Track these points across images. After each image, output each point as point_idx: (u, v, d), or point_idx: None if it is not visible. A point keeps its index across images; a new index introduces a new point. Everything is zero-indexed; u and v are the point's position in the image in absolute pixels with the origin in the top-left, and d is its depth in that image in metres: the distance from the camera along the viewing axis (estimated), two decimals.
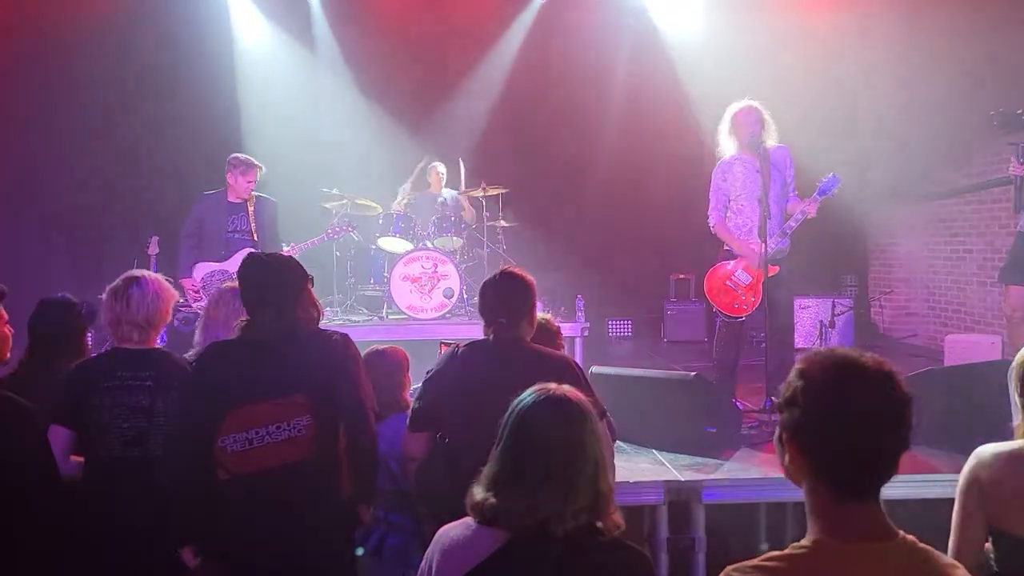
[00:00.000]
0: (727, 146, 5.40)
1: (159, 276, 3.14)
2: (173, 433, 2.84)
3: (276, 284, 2.87)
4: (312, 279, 3.01)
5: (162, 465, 2.82)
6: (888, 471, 1.54)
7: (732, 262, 5.35)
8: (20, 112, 8.25)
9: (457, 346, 3.11)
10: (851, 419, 1.50)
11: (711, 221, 5.44)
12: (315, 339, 2.88)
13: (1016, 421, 2.65)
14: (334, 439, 2.79)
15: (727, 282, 5.33)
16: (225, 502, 2.70)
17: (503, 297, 3.06)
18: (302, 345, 2.82)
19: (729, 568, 1.55)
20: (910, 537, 1.56)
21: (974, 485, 2.26)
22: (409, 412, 3.13)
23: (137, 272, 3.11)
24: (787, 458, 1.58)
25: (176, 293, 3.20)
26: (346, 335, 2.96)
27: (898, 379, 1.54)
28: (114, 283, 3.09)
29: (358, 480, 2.87)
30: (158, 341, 8.44)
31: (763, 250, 5.07)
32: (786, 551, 1.54)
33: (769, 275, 5.10)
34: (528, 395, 2.02)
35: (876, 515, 1.54)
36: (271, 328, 2.82)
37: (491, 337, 3.06)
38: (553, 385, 2.04)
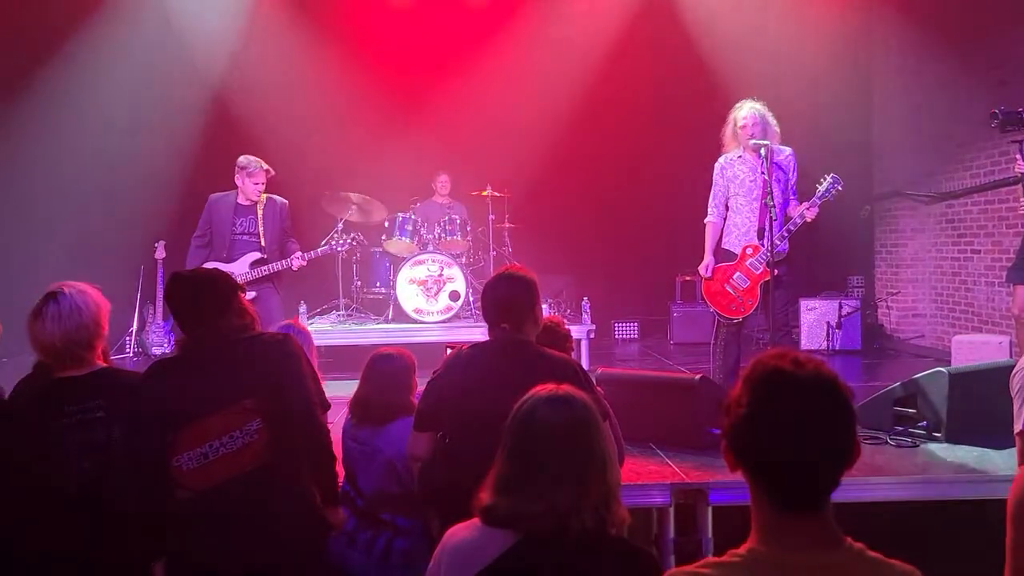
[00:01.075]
0: (730, 146, 5.45)
1: (85, 287, 2.88)
2: (125, 459, 2.72)
3: (202, 298, 2.81)
4: (243, 288, 2.99)
5: (118, 492, 2.72)
6: (827, 482, 1.47)
7: (730, 265, 5.39)
8: (24, 115, 8.28)
9: (461, 348, 3.11)
10: (777, 428, 1.45)
11: (707, 217, 5.49)
12: (254, 342, 2.83)
13: (1017, 428, 2.64)
14: (291, 439, 2.74)
15: (725, 285, 5.37)
16: (188, 520, 2.65)
17: (504, 299, 3.03)
18: (241, 350, 2.77)
19: (667, 574, 1.54)
20: (858, 545, 1.50)
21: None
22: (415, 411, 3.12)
23: (58, 286, 2.84)
24: (729, 467, 1.54)
25: (107, 302, 2.92)
26: (286, 334, 2.92)
27: (832, 386, 1.48)
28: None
29: (319, 480, 2.83)
30: (166, 345, 8.43)
31: (759, 251, 5.13)
32: (722, 558, 1.50)
33: (766, 279, 5.17)
34: (531, 396, 2.03)
35: (817, 525, 1.48)
36: (205, 341, 2.77)
37: (494, 339, 3.04)
38: (555, 385, 2.05)
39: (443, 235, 8.02)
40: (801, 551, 1.46)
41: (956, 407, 4.28)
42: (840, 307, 8.45)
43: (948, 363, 6.81)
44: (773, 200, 5.04)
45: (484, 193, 8.37)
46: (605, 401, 3.31)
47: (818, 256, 8.85)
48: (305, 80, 8.90)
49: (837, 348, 8.36)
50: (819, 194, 5.17)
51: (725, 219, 5.47)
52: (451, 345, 3.95)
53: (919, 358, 7.93)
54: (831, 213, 8.66)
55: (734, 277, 5.35)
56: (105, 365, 2.92)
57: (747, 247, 5.32)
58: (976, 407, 4.34)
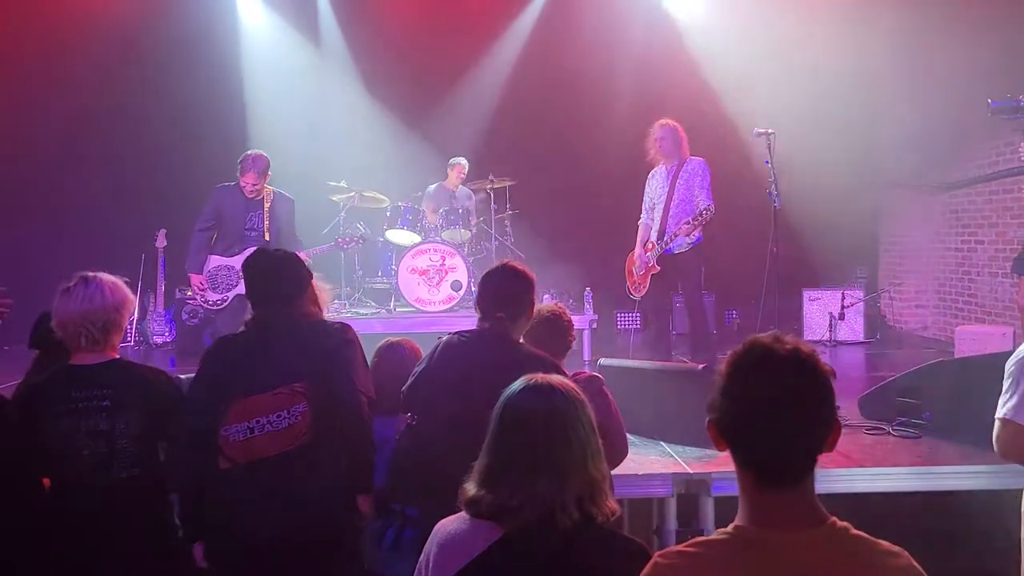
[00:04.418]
0: (653, 157, 6.36)
1: (116, 279, 2.97)
2: (182, 425, 2.85)
3: (281, 278, 2.95)
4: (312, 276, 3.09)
5: (172, 457, 2.85)
6: (800, 456, 1.51)
7: (638, 255, 6.41)
8: (26, 106, 8.26)
9: (451, 336, 3.08)
10: (753, 404, 1.50)
11: (640, 219, 6.50)
12: (314, 328, 2.95)
13: (1000, 413, 2.63)
14: (332, 425, 2.82)
15: (632, 267, 6.49)
16: (225, 491, 2.75)
17: (501, 292, 3.01)
18: (302, 334, 2.89)
19: (656, 554, 1.56)
20: (842, 524, 1.53)
21: None
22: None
23: (90, 273, 2.94)
24: (714, 444, 1.58)
25: (133, 299, 3.03)
26: (346, 324, 3.01)
27: (809, 364, 1.51)
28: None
29: (352, 468, 2.88)
30: (167, 334, 8.42)
31: (654, 248, 6.18)
32: (710, 536, 1.54)
33: (654, 272, 6.24)
34: (515, 385, 2.00)
35: (800, 501, 1.51)
36: (275, 321, 2.90)
37: (481, 331, 3.01)
38: (539, 375, 2.02)
39: (445, 225, 8.00)
40: (784, 528, 1.49)
41: (959, 398, 4.27)
42: (843, 297, 8.42)
43: (951, 354, 6.81)
44: (671, 203, 6.15)
45: (488, 188, 8.35)
46: (611, 398, 3.30)
47: (822, 246, 8.83)
48: (309, 69, 8.87)
49: (840, 339, 8.35)
50: (693, 216, 5.94)
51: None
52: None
53: (922, 349, 7.92)
54: (835, 204, 8.70)
55: (635, 265, 6.46)
56: (117, 357, 2.95)
57: (647, 242, 6.34)
58: (979, 398, 4.33)
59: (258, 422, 2.73)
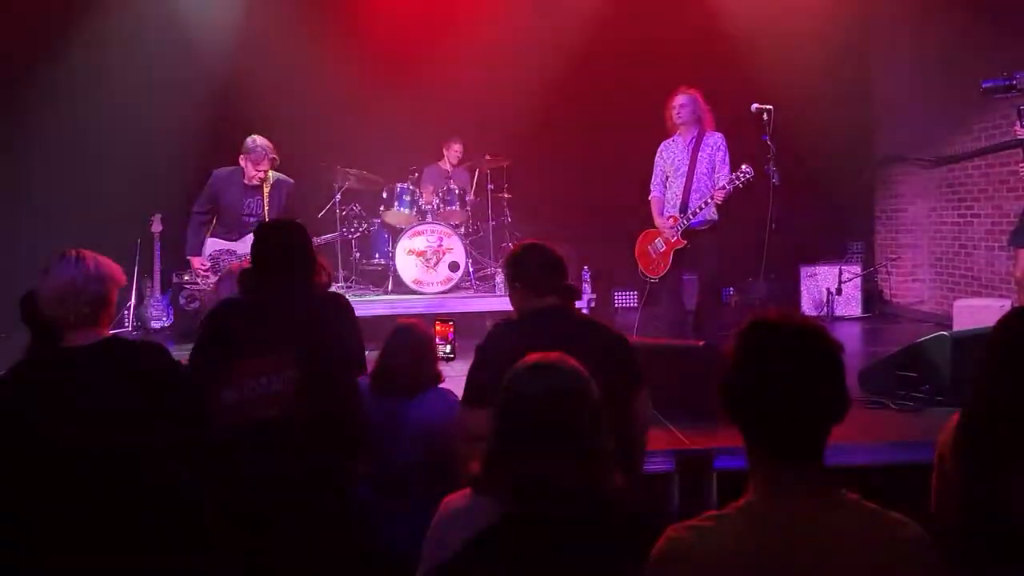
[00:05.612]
0: (669, 128, 6.12)
1: (99, 255, 2.80)
2: (184, 393, 2.86)
3: (283, 247, 3.04)
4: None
5: (177, 427, 2.81)
6: (817, 429, 1.52)
7: (655, 231, 6.14)
8: (21, 89, 8.20)
9: (510, 317, 3.07)
10: (767, 381, 1.51)
11: (650, 193, 6.24)
12: (312, 297, 3.04)
13: None
14: (322, 391, 2.87)
15: (648, 247, 6.17)
16: (219, 454, 2.81)
17: (549, 268, 3.04)
18: (300, 303, 2.97)
19: (669, 528, 1.57)
20: (852, 495, 1.54)
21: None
22: (465, 385, 3.03)
23: (72, 248, 2.80)
24: (729, 419, 1.59)
25: (122, 277, 2.88)
26: (339, 293, 3.15)
27: (819, 339, 1.52)
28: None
29: (342, 436, 2.94)
30: (165, 319, 8.40)
31: (678, 222, 5.92)
32: (722, 511, 1.55)
33: (680, 247, 5.93)
34: (519, 366, 2.01)
35: (812, 474, 1.52)
36: (274, 287, 2.98)
37: (546, 307, 3.01)
38: (541, 354, 2.03)
39: (442, 205, 7.98)
40: (796, 501, 1.50)
41: (959, 371, 4.29)
42: (840, 273, 8.44)
43: (949, 327, 6.83)
44: (692, 176, 5.89)
45: (485, 167, 8.32)
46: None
47: (818, 222, 8.83)
48: (305, 45, 8.79)
49: (837, 314, 8.37)
50: (729, 180, 5.71)
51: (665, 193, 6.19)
52: (443, 319, 3.96)
53: (920, 323, 7.93)
54: (831, 178, 8.69)
55: (655, 242, 6.12)
56: (110, 335, 2.86)
57: (669, 217, 6.02)
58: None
59: (248, 386, 2.78)
